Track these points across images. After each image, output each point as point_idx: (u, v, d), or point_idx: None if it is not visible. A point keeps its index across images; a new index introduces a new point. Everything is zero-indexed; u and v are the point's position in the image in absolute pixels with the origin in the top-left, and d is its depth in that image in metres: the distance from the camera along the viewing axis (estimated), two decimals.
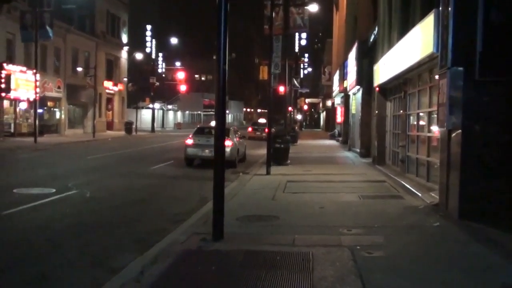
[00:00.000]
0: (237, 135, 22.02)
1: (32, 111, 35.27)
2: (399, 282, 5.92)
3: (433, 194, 11.35)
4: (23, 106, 37.18)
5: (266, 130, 20.13)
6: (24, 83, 35.40)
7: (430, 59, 11.39)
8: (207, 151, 18.93)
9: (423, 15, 11.78)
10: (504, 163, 9.22)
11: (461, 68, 9.21)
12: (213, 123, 25.43)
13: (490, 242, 7.77)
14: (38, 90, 33.26)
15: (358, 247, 7.28)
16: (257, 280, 5.92)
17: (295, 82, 51.24)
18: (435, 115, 11.34)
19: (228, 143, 19.06)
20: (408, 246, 7.60)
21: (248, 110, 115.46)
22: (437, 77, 10.42)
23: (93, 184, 14.50)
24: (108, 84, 51.69)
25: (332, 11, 52.61)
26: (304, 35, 70.77)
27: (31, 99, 34.73)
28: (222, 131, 8.00)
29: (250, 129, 44.13)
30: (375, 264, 6.60)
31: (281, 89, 33.89)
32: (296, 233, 8.26)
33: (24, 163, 20.93)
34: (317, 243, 7.56)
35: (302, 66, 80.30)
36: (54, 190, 12.96)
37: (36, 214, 10.44)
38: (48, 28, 34.44)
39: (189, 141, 20.47)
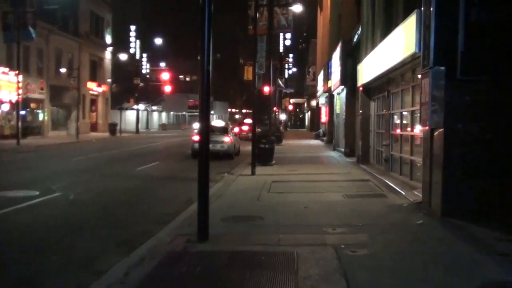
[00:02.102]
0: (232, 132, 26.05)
1: (14, 113, 34.91)
2: (383, 280, 5.98)
3: (416, 193, 11.45)
4: (5, 108, 36.82)
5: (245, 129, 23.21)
6: (7, 85, 35.09)
7: (412, 58, 11.50)
8: (210, 145, 20.18)
9: (406, 15, 11.89)
10: (485, 161, 9.34)
11: (443, 68, 9.30)
12: (213, 123, 28.05)
13: (471, 239, 7.87)
14: (20, 91, 32.96)
15: (342, 246, 7.33)
16: (242, 280, 5.94)
17: (280, 82, 51.29)
18: (418, 114, 11.45)
19: (227, 139, 24.22)
20: (391, 244, 7.67)
21: (233, 110, 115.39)
22: (419, 76, 10.52)
23: (78, 186, 14.41)
24: (91, 85, 51.37)
25: (316, 11, 52.82)
26: (288, 35, 71.07)
27: (14, 100, 34.39)
28: (206, 133, 8.03)
29: (237, 129, 44.17)
30: (359, 262, 6.65)
31: (266, 89, 33.91)
32: (281, 233, 8.29)
33: (7, 166, 20.72)
34: (302, 243, 7.60)
35: (286, 66, 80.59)
36: (37, 193, 12.86)
37: (20, 217, 10.35)
38: (30, 28, 34.19)
39: (196, 138, 22.57)
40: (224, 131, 25.32)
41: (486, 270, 6.35)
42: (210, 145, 22.26)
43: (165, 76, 74.98)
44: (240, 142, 29.75)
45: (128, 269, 6.44)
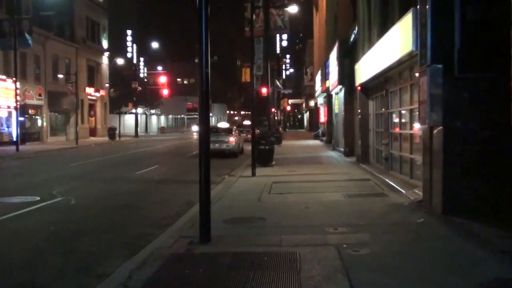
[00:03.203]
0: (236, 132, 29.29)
1: (12, 119, 34.91)
2: (385, 279, 5.99)
3: (416, 191, 11.47)
4: (3, 114, 36.81)
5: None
6: (4, 92, 35.11)
7: (410, 57, 11.52)
8: (217, 145, 25.20)
9: (402, 13, 11.91)
10: (484, 159, 9.36)
11: (440, 66, 9.33)
12: (219, 125, 31.50)
13: (472, 237, 7.88)
14: (18, 98, 32.92)
15: (344, 246, 7.35)
16: (245, 281, 5.96)
17: (278, 83, 51.33)
18: (417, 113, 11.47)
19: (232, 139, 26.91)
20: (393, 243, 7.69)
21: (232, 112, 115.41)
22: (417, 74, 10.55)
23: (78, 191, 14.41)
24: (90, 90, 51.39)
25: (312, 12, 52.86)
26: (285, 36, 71.06)
27: (12, 107, 34.39)
28: (206, 135, 8.01)
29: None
30: (361, 261, 6.67)
31: (264, 90, 33.91)
32: (283, 233, 8.31)
33: (7, 172, 20.73)
34: (303, 243, 7.61)
35: (284, 67, 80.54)
36: (38, 198, 12.87)
37: (21, 223, 10.35)
38: (27, 35, 34.13)
39: None
40: (229, 132, 28.67)
41: (488, 268, 6.36)
42: (217, 145, 25.05)
43: (163, 79, 75.07)
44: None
45: (130, 272, 6.45)
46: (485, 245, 7.41)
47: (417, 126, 12.15)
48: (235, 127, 32.49)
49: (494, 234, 7.95)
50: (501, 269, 6.28)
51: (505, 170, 9.28)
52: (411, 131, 13.21)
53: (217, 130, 28.32)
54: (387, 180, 14.18)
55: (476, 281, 5.85)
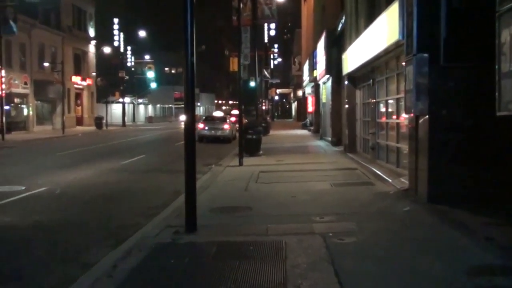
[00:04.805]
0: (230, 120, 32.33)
1: None
2: (370, 267, 6.02)
3: (403, 180, 11.52)
4: None
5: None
6: None
7: (396, 46, 11.52)
8: (213, 131, 29.79)
9: (389, 2, 11.89)
10: (469, 147, 9.42)
11: (426, 55, 9.34)
12: (215, 113, 34.15)
13: (457, 224, 7.94)
14: (4, 86, 32.57)
15: (330, 234, 7.36)
16: (230, 270, 5.95)
17: (266, 73, 51.26)
18: (403, 102, 11.49)
19: (226, 126, 30.57)
20: (379, 231, 7.72)
21: (220, 101, 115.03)
22: (403, 64, 10.55)
23: (64, 181, 14.29)
24: (76, 79, 50.94)
25: (300, 1, 52.69)
26: (273, 25, 70.72)
27: None
28: (192, 124, 7.98)
29: None
30: (347, 250, 6.70)
31: (252, 84, 33.85)
32: (269, 222, 8.30)
33: None
34: (289, 232, 7.61)
35: (272, 56, 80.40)
36: (23, 188, 12.77)
37: (6, 212, 10.26)
38: (12, 23, 33.75)
39: (201, 126, 29.39)
40: (223, 120, 31.87)
41: (472, 255, 6.41)
42: (213, 131, 29.24)
43: (150, 74, 74.49)
44: None
45: (116, 261, 6.42)
46: (470, 232, 7.47)
47: (403, 115, 12.19)
48: (228, 116, 35.11)
49: (479, 222, 8.02)
50: (485, 256, 6.34)
51: (489, 158, 9.35)
52: (398, 120, 13.24)
53: (213, 119, 32.16)
54: (373, 169, 14.23)
55: (461, 268, 5.89)
